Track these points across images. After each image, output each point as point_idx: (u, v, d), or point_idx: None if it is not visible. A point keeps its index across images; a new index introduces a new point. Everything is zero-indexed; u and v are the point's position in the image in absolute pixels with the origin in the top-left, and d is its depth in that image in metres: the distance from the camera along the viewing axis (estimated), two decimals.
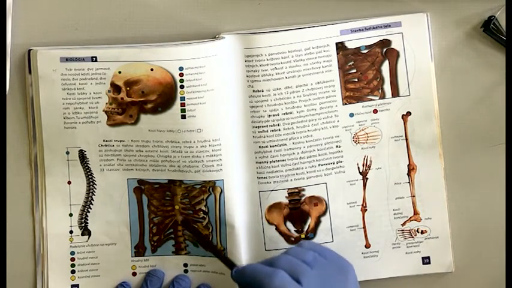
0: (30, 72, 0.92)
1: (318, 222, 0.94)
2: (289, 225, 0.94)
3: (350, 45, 0.94)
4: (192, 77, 0.92)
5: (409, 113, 0.94)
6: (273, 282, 0.77)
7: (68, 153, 0.92)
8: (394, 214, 0.94)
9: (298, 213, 0.94)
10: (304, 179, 0.94)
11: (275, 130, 0.93)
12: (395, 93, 0.94)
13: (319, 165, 0.94)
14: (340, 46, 0.94)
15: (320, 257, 0.83)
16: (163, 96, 0.92)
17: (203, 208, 0.93)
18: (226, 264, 0.87)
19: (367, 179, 0.94)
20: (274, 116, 0.93)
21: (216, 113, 0.92)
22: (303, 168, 0.94)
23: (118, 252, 0.93)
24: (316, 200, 0.94)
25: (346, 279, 0.81)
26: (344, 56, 0.94)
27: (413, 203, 0.94)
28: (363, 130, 0.94)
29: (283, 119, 0.93)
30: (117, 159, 0.92)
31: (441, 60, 0.94)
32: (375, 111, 0.94)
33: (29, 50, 0.92)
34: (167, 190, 0.93)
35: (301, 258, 0.81)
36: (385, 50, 0.94)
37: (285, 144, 0.93)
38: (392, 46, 0.94)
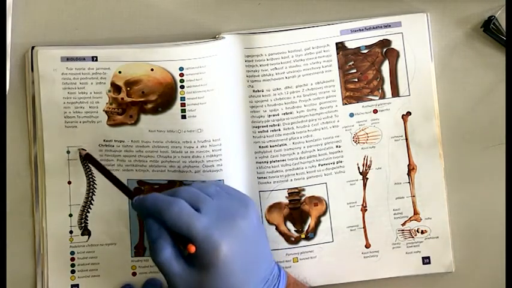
0: (32, 69, 0.92)
1: (318, 222, 0.94)
2: (289, 225, 0.94)
3: (350, 45, 0.94)
4: (192, 77, 0.92)
5: (409, 113, 0.94)
6: (171, 209, 0.78)
7: (68, 152, 0.92)
8: (394, 214, 0.94)
9: (298, 213, 0.94)
10: (304, 179, 0.94)
11: (275, 130, 0.93)
12: (395, 93, 0.94)
13: (319, 165, 0.94)
14: (340, 46, 0.94)
15: (222, 191, 0.84)
16: (164, 96, 0.92)
17: None
18: (128, 194, 0.87)
19: (367, 179, 0.94)
20: (274, 116, 0.93)
21: (216, 113, 0.92)
22: (303, 168, 0.94)
23: (118, 252, 0.93)
24: (316, 200, 0.94)
25: (247, 211, 0.81)
26: (344, 56, 0.94)
27: (413, 203, 0.94)
28: (363, 130, 0.94)
29: (283, 119, 0.93)
30: (117, 159, 0.92)
31: (441, 60, 0.94)
32: (375, 111, 0.94)
33: (32, 47, 0.92)
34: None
35: (204, 191, 0.82)
36: (385, 50, 0.94)
37: (285, 144, 0.93)
38: (392, 46, 0.94)
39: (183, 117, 0.92)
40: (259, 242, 0.83)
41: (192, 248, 0.78)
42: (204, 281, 0.79)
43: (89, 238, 0.93)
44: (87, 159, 0.91)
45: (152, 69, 0.92)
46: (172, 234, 0.80)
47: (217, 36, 0.93)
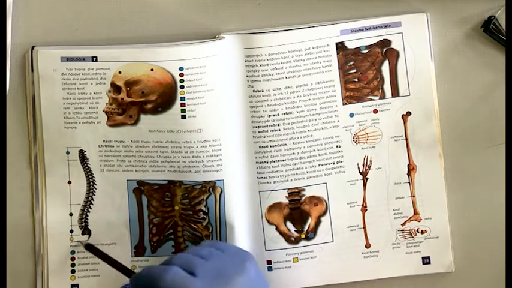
0: (32, 70, 0.92)
1: (318, 222, 0.94)
2: (289, 225, 0.94)
3: (350, 45, 0.94)
4: (192, 77, 0.92)
5: (409, 113, 0.94)
6: (165, 278, 0.77)
7: (68, 153, 0.92)
8: (394, 214, 0.94)
9: (298, 213, 0.94)
10: (304, 179, 0.94)
11: (275, 130, 0.93)
12: (395, 93, 0.94)
13: (319, 165, 0.94)
14: (340, 46, 0.94)
15: (216, 251, 0.82)
16: (164, 96, 0.92)
17: (203, 208, 0.93)
18: (127, 274, 0.87)
19: (367, 179, 0.94)
20: (274, 116, 0.93)
21: (216, 113, 0.92)
22: (303, 168, 0.94)
23: (118, 252, 0.93)
24: (316, 200, 0.94)
25: (244, 267, 0.80)
26: (344, 56, 0.94)
27: (414, 203, 0.94)
28: (363, 130, 0.94)
29: (283, 119, 0.93)
30: (117, 159, 0.92)
31: (441, 60, 0.94)
32: (375, 111, 0.94)
33: (32, 47, 0.92)
34: (167, 191, 0.93)
35: (197, 254, 0.81)
36: (385, 50, 0.94)
37: (285, 144, 0.93)
38: (392, 46, 0.94)
39: (183, 117, 0.92)
40: None
41: None
42: None
43: (89, 238, 0.93)
44: (88, 249, 0.91)
45: (152, 69, 0.92)
46: None
47: (217, 36, 0.93)
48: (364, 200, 0.94)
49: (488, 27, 0.93)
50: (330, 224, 0.94)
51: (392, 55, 0.94)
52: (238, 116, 0.93)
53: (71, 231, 0.93)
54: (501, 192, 0.93)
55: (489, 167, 0.95)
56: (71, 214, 0.93)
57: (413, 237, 0.94)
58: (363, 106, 0.94)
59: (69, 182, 0.93)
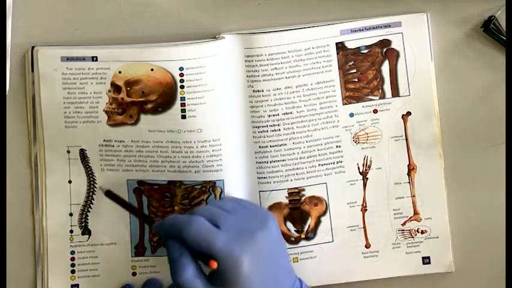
0: (32, 69, 0.92)
1: (318, 222, 0.94)
2: (289, 225, 0.94)
3: (350, 45, 0.94)
4: (192, 77, 0.92)
5: (409, 113, 0.94)
6: (191, 227, 0.78)
7: (68, 152, 0.92)
8: (394, 214, 0.94)
9: (298, 213, 0.94)
10: (304, 179, 0.94)
11: (275, 130, 0.93)
12: (395, 93, 0.94)
13: (319, 165, 0.94)
14: (340, 46, 0.94)
15: (240, 206, 0.83)
16: (164, 96, 0.92)
17: None
18: (148, 221, 0.87)
19: (367, 179, 0.94)
20: (274, 116, 0.93)
21: (216, 113, 0.92)
22: (303, 168, 0.94)
23: (118, 252, 0.93)
24: (316, 200, 0.94)
25: (267, 224, 0.80)
26: (344, 56, 0.94)
27: (414, 203, 0.94)
28: (363, 130, 0.94)
29: (283, 119, 0.93)
30: (117, 159, 0.92)
31: (441, 60, 0.94)
32: (375, 111, 0.94)
33: (32, 47, 0.92)
34: (167, 191, 0.93)
35: (221, 207, 0.82)
36: (385, 50, 0.94)
37: (285, 144, 0.93)
38: (392, 46, 0.94)
39: (183, 117, 0.92)
40: (279, 255, 0.82)
41: (214, 264, 0.77)
42: None
43: (89, 238, 0.93)
44: (108, 195, 0.91)
45: (152, 69, 0.92)
46: (193, 252, 0.79)
47: (217, 36, 0.93)
48: (364, 200, 0.94)
49: (488, 27, 0.93)
50: (330, 224, 0.94)
51: (392, 55, 0.94)
52: (238, 116, 0.93)
53: (71, 231, 0.93)
54: (501, 192, 0.93)
55: (489, 167, 0.95)
56: (71, 214, 0.93)
57: (413, 237, 0.94)
58: (363, 106, 0.94)
59: (70, 182, 0.93)
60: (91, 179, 0.93)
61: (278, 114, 0.93)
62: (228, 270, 0.77)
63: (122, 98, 0.92)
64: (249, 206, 0.85)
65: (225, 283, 0.77)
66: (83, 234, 0.93)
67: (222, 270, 0.77)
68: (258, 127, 0.94)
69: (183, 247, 0.78)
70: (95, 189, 0.93)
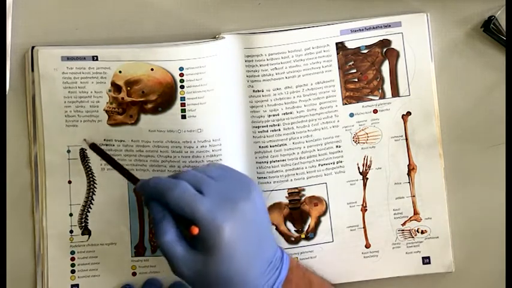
0: (32, 69, 0.92)
1: (318, 222, 0.94)
2: (289, 225, 0.94)
3: (350, 45, 0.94)
4: (192, 77, 0.92)
5: (409, 113, 0.94)
6: (174, 191, 0.78)
7: (69, 151, 0.92)
8: (394, 214, 0.94)
9: (298, 213, 0.94)
10: (304, 179, 0.94)
11: (275, 130, 0.93)
12: (395, 93, 0.94)
13: (319, 165, 0.94)
14: (340, 46, 0.94)
15: (225, 173, 0.83)
16: (164, 96, 0.92)
17: None
18: (132, 180, 0.87)
19: (367, 179, 0.94)
20: (274, 116, 0.93)
21: (216, 113, 0.92)
22: (303, 168, 0.94)
23: (118, 252, 0.93)
24: (316, 200, 0.94)
25: (250, 193, 0.81)
26: (344, 56, 0.94)
27: (413, 203, 0.94)
28: (363, 130, 0.94)
29: (283, 119, 0.93)
30: (118, 159, 0.92)
31: (441, 60, 0.94)
32: (375, 111, 0.94)
33: (33, 47, 0.92)
34: None
35: (207, 173, 0.82)
36: (385, 50, 0.94)
37: (285, 144, 0.93)
38: (392, 46, 0.94)
39: (183, 117, 0.92)
40: (262, 225, 0.82)
41: (195, 230, 0.77)
42: (207, 263, 0.78)
43: (89, 238, 0.93)
44: (92, 148, 0.91)
45: (152, 69, 0.92)
46: (176, 216, 0.79)
47: (217, 36, 0.93)
48: (364, 200, 0.94)
49: (488, 27, 0.93)
50: (330, 224, 0.94)
51: (392, 55, 0.94)
52: (238, 116, 0.93)
53: (71, 231, 0.93)
54: (501, 192, 0.93)
55: (489, 167, 0.95)
56: (71, 214, 0.93)
57: (413, 237, 0.94)
58: (363, 106, 0.94)
59: (70, 182, 0.93)
60: (91, 179, 0.93)
61: (278, 114, 0.93)
62: (209, 237, 0.77)
63: (122, 98, 0.92)
64: (235, 174, 0.85)
65: (206, 249, 0.78)
66: (82, 234, 0.93)
67: (203, 237, 0.77)
68: (258, 127, 0.94)
69: (165, 210, 0.79)
70: (95, 189, 0.93)
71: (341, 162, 0.94)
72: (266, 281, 0.81)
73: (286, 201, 0.94)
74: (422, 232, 0.94)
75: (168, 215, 0.79)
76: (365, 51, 0.94)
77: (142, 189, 0.83)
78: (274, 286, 0.82)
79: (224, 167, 0.85)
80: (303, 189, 0.94)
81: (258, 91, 0.94)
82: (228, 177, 0.83)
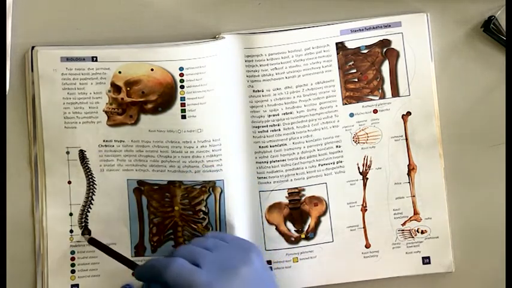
0: (32, 70, 0.92)
1: (318, 222, 0.94)
2: (289, 225, 0.94)
3: (350, 45, 0.94)
4: (192, 77, 0.92)
5: (409, 113, 0.94)
6: (170, 269, 0.77)
7: (68, 153, 0.92)
8: (394, 214, 0.94)
9: (298, 213, 0.94)
10: (304, 179, 0.94)
11: (275, 130, 0.93)
12: (395, 93, 0.94)
13: (319, 165, 0.94)
14: (340, 46, 0.94)
15: (221, 242, 0.82)
16: (164, 96, 0.92)
17: (203, 209, 0.93)
18: (130, 266, 0.87)
19: (367, 179, 0.94)
20: (274, 116, 0.93)
21: (216, 113, 0.92)
22: (303, 168, 0.94)
23: (118, 251, 0.93)
24: (316, 200, 0.94)
25: (249, 257, 0.80)
26: (344, 56, 0.94)
27: (413, 203, 0.94)
28: (363, 130, 0.94)
29: (283, 119, 0.93)
30: (117, 159, 0.92)
31: (441, 60, 0.94)
32: (375, 111, 0.94)
33: (32, 47, 0.92)
34: (167, 191, 0.93)
35: (202, 246, 0.81)
36: (385, 50, 0.94)
37: (285, 144, 0.93)
38: (392, 46, 0.94)
39: (183, 117, 0.92)
40: (265, 284, 0.81)
41: None
42: None
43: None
44: (91, 243, 0.91)
45: (152, 69, 0.92)
46: None
47: (217, 36, 0.93)
48: (364, 200, 0.94)
49: (488, 27, 0.93)
50: (330, 224, 0.94)
51: (392, 55, 0.94)
52: (238, 116, 0.93)
53: (71, 231, 0.93)
54: (501, 192, 0.93)
55: (489, 167, 0.95)
56: (70, 214, 0.93)
57: (413, 237, 0.94)
58: (363, 106, 0.94)
59: (69, 182, 0.93)
60: (90, 179, 0.93)
61: (278, 114, 0.93)
62: None
63: (122, 98, 0.92)
64: (232, 240, 0.84)
65: None
66: (82, 234, 0.93)
67: None
68: (258, 127, 0.94)
69: None
70: (94, 189, 0.93)
71: (341, 162, 0.94)
72: None
73: (286, 201, 0.94)
74: (422, 232, 0.94)
75: None
76: (365, 51, 0.94)
77: (140, 274, 0.82)
78: None
79: (220, 234, 0.85)
80: (303, 189, 0.94)
81: (258, 91, 0.94)
82: (224, 244, 0.82)
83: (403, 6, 0.94)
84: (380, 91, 0.94)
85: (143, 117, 0.92)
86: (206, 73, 0.92)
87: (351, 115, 0.94)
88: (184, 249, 0.80)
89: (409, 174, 0.94)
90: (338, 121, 0.94)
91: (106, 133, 0.92)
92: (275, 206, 0.94)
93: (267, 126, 0.93)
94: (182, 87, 0.92)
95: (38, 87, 0.92)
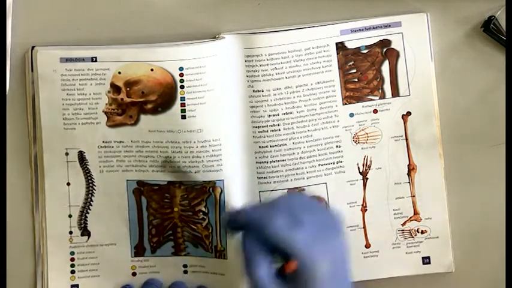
0: (32, 70, 0.92)
1: None
2: None
3: (350, 45, 0.94)
4: (192, 77, 0.92)
5: (409, 113, 0.94)
6: (273, 222, 0.76)
7: (67, 154, 0.92)
8: (394, 214, 0.94)
9: None
10: (304, 179, 0.94)
11: (275, 130, 0.93)
12: (395, 93, 0.94)
13: (319, 165, 0.94)
14: (340, 46, 0.94)
15: (318, 207, 0.82)
16: (164, 96, 0.92)
17: (203, 209, 0.93)
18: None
19: (367, 179, 0.94)
20: (274, 116, 0.93)
21: (216, 113, 0.92)
22: (303, 168, 0.94)
23: (118, 252, 0.93)
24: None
25: (340, 228, 0.79)
26: (344, 56, 0.94)
27: (413, 203, 0.94)
28: (363, 130, 0.94)
29: (283, 119, 0.93)
30: (117, 160, 0.92)
31: (441, 60, 0.94)
32: (375, 111, 0.94)
33: (32, 47, 0.92)
34: (166, 192, 0.93)
35: (302, 204, 0.80)
36: (385, 50, 0.94)
37: (285, 144, 0.93)
38: (392, 46, 0.94)
39: (183, 117, 0.92)
40: (347, 261, 0.81)
41: (293, 265, 0.75)
42: None
43: (88, 238, 0.93)
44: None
45: (152, 70, 0.92)
46: (268, 247, 0.76)
47: (217, 36, 0.93)
48: (364, 200, 0.94)
49: (488, 27, 0.93)
50: None
51: (392, 55, 0.94)
52: (238, 116, 0.93)
53: (70, 232, 0.93)
54: (501, 192, 0.93)
55: (489, 167, 0.95)
56: (70, 216, 0.93)
57: (413, 237, 0.94)
58: (363, 106, 0.94)
59: (68, 184, 0.93)
60: (90, 181, 0.93)
61: (278, 114, 0.93)
62: (305, 272, 0.75)
63: (122, 99, 0.92)
64: (324, 208, 0.84)
65: (299, 284, 0.76)
66: (82, 235, 0.93)
67: (298, 271, 0.75)
68: (258, 127, 0.94)
69: (259, 242, 0.76)
70: (93, 191, 0.93)
71: (341, 162, 0.94)
72: None
73: None
74: (422, 232, 0.94)
75: (262, 249, 0.76)
76: (365, 51, 0.94)
77: (235, 217, 0.80)
78: None
79: (311, 198, 0.84)
80: (303, 189, 0.94)
81: (258, 91, 0.94)
82: (320, 209, 0.82)
83: (403, 6, 0.94)
84: (380, 91, 0.94)
85: (143, 117, 0.92)
86: (206, 73, 0.92)
87: (351, 115, 0.94)
88: (286, 204, 0.79)
89: (409, 174, 0.94)
90: (338, 121, 0.94)
91: (105, 134, 0.92)
92: None
93: (267, 126, 0.93)
94: (182, 87, 0.92)
95: (38, 88, 0.92)
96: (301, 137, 0.94)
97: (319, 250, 0.76)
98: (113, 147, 0.92)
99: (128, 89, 0.92)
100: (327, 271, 0.76)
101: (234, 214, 0.80)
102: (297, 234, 0.76)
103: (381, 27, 0.94)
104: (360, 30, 0.94)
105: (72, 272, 0.93)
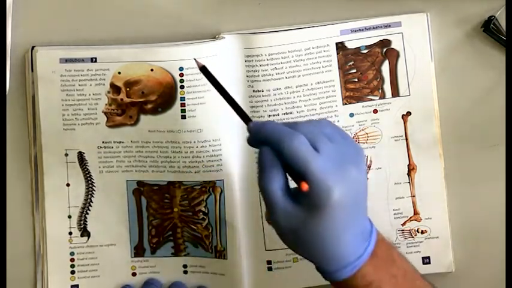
0: (32, 70, 0.92)
1: None
2: None
3: (350, 45, 0.94)
4: (192, 77, 0.92)
5: (409, 113, 0.94)
6: (292, 142, 0.75)
7: (67, 155, 0.92)
8: (394, 214, 0.94)
9: None
10: None
11: None
12: (395, 93, 0.94)
13: None
14: (340, 46, 0.94)
15: (337, 135, 0.79)
16: (164, 96, 0.92)
17: (203, 209, 0.93)
18: (243, 118, 0.82)
19: (367, 179, 0.94)
20: (274, 116, 0.93)
21: (216, 113, 0.92)
22: None
23: (117, 252, 0.93)
24: None
25: (360, 159, 0.78)
26: (344, 56, 0.94)
27: (413, 203, 0.94)
28: (363, 130, 0.94)
29: (283, 119, 0.93)
30: (116, 160, 0.92)
31: (441, 60, 0.94)
32: (375, 111, 0.94)
33: (32, 47, 0.92)
34: (166, 192, 0.93)
35: (320, 131, 0.78)
36: (385, 50, 0.94)
37: None
38: (392, 46, 0.94)
39: (183, 117, 0.92)
40: (364, 195, 0.80)
41: (306, 186, 0.74)
42: (307, 221, 0.75)
43: (88, 239, 0.93)
44: (203, 71, 0.83)
45: (152, 70, 0.92)
46: (284, 166, 0.76)
47: (217, 36, 0.93)
48: None
49: (488, 27, 0.93)
50: None
51: (392, 55, 0.94)
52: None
53: (70, 233, 0.93)
54: (501, 192, 0.93)
55: (489, 167, 0.95)
56: (69, 216, 0.93)
57: (413, 237, 0.94)
58: (363, 106, 0.94)
59: (68, 185, 0.93)
60: (89, 181, 0.93)
61: (278, 114, 0.93)
62: (318, 196, 0.74)
63: (122, 99, 0.92)
64: (345, 136, 0.81)
65: (310, 207, 0.75)
66: (82, 235, 0.93)
67: (311, 194, 0.74)
68: None
69: (276, 157, 0.76)
70: (93, 191, 0.93)
71: None
72: (355, 249, 0.79)
73: None
74: (422, 232, 0.94)
75: (278, 163, 0.76)
76: (365, 51, 0.94)
77: (257, 130, 0.78)
78: (362, 257, 0.79)
79: (335, 126, 0.81)
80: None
81: (258, 91, 0.93)
82: (340, 138, 0.79)
83: (403, 6, 0.94)
84: (380, 91, 0.94)
85: (143, 117, 0.92)
86: None
87: (351, 115, 0.94)
88: (306, 128, 0.77)
89: (409, 174, 0.94)
90: (338, 121, 0.94)
91: (105, 134, 0.92)
92: None
93: None
94: (182, 87, 0.92)
95: (37, 88, 0.92)
96: None
97: (335, 179, 0.75)
98: (112, 147, 0.92)
99: (128, 89, 0.92)
100: (341, 201, 0.75)
101: (256, 127, 0.79)
102: (313, 159, 0.75)
103: (381, 27, 0.94)
104: (360, 30, 0.94)
105: (72, 272, 0.93)
